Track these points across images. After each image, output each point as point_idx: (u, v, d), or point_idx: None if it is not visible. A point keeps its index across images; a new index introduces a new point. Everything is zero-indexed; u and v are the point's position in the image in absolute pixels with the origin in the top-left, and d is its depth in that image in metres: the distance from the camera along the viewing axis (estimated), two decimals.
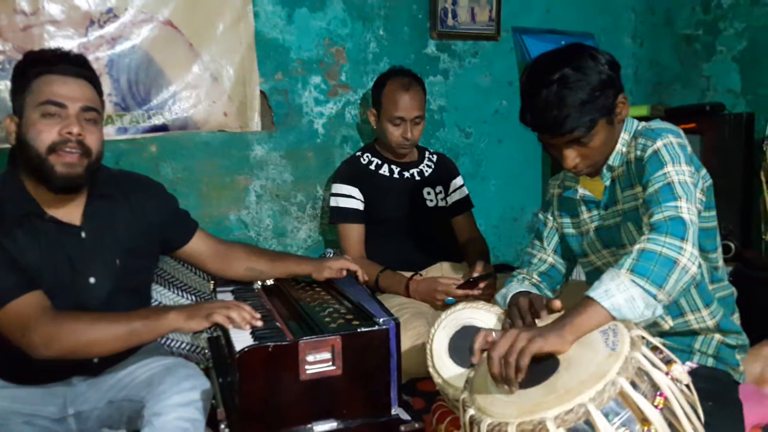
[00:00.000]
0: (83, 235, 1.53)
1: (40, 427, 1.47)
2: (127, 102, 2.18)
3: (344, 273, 1.78)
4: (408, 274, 2.20)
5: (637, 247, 1.22)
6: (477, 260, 2.10)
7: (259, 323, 1.43)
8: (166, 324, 1.44)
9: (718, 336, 1.47)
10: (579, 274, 1.79)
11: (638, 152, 1.41)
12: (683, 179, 1.31)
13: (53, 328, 1.37)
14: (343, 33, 2.60)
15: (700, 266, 1.22)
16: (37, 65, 1.47)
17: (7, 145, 1.51)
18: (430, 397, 1.72)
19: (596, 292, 1.17)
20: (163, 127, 2.26)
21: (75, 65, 1.50)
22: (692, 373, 1.20)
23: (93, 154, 1.49)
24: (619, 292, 1.15)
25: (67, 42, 2.04)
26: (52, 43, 2.01)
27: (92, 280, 1.53)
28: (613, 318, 1.15)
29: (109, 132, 2.16)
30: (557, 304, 1.29)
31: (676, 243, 1.20)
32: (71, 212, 1.54)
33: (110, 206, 1.60)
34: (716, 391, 1.35)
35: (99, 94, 1.56)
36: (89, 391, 1.54)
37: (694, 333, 1.48)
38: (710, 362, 1.47)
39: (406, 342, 1.83)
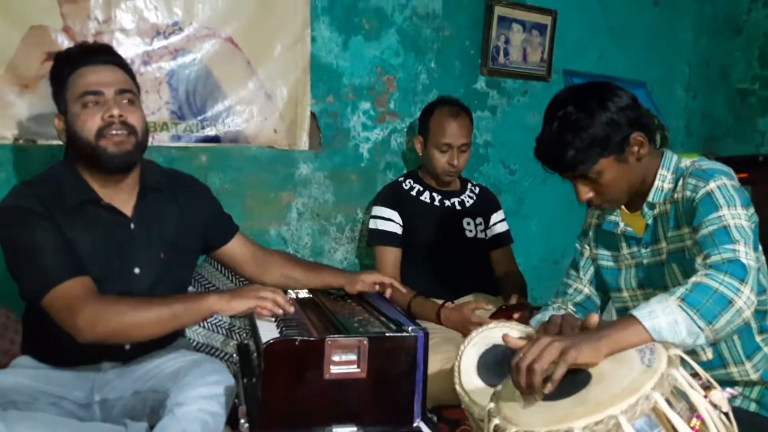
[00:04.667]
0: (132, 226, 1.59)
1: (66, 410, 1.49)
2: (183, 111, 2.26)
3: (376, 288, 1.78)
4: (440, 302, 2.18)
5: (692, 280, 1.19)
6: (513, 294, 2.07)
7: (291, 309, 1.48)
8: (206, 306, 1.46)
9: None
10: (611, 313, 1.74)
11: (688, 193, 1.38)
12: (740, 223, 1.27)
13: (98, 311, 1.40)
14: (396, 63, 2.66)
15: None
16: (69, 63, 1.55)
17: (58, 142, 1.60)
18: (456, 426, 1.68)
19: (640, 312, 1.14)
20: (215, 138, 2.33)
21: (102, 54, 1.57)
22: (732, 410, 1.15)
23: (138, 132, 1.55)
24: (664, 315, 1.12)
25: (133, 50, 2.14)
26: (120, 50, 2.10)
27: (137, 270, 1.57)
28: (652, 339, 1.11)
29: (164, 138, 2.24)
30: (594, 318, 1.23)
31: (734, 284, 1.17)
32: (124, 204, 1.60)
33: (160, 201, 1.65)
34: None
35: (131, 76, 1.61)
36: (117, 380, 1.56)
37: (736, 383, 1.42)
38: (752, 407, 1.40)
39: (435, 365, 1.80)
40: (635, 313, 1.13)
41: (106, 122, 1.50)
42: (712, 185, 1.34)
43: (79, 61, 1.54)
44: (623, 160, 1.39)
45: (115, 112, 1.50)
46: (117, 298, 1.47)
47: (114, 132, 1.51)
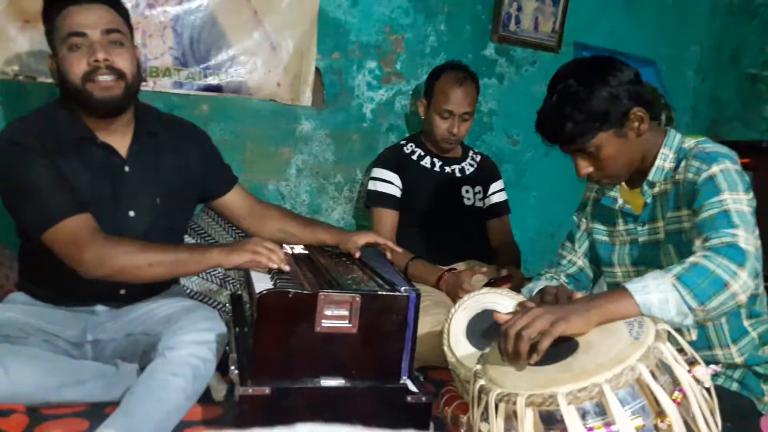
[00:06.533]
0: (127, 168, 1.57)
1: (59, 348, 1.51)
2: (186, 58, 2.23)
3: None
4: (444, 268, 2.18)
5: (689, 259, 1.19)
6: (506, 264, 2.07)
7: (287, 268, 1.45)
8: (210, 258, 1.47)
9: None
10: (602, 288, 1.75)
11: (690, 174, 1.37)
12: (741, 208, 1.27)
13: (105, 248, 1.41)
14: (405, 23, 2.62)
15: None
16: (57, 2, 1.49)
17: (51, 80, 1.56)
18: (441, 386, 1.70)
19: (634, 285, 1.15)
20: (217, 88, 2.30)
21: None
22: (714, 388, 1.17)
23: (127, 75, 1.51)
24: (657, 292, 1.13)
25: None
26: None
27: (132, 213, 1.57)
28: (641, 313, 1.12)
29: (165, 84, 2.21)
30: (578, 295, 1.26)
31: (731, 267, 1.16)
32: (118, 146, 1.57)
33: (155, 146, 1.63)
34: (737, 414, 1.30)
35: (123, 16, 1.56)
36: (110, 322, 1.57)
37: (719, 363, 1.44)
38: (734, 386, 1.42)
39: (425, 327, 1.82)
40: (628, 286, 1.14)
41: (92, 67, 1.46)
42: (715, 168, 1.33)
43: (65, 0, 1.49)
44: (623, 135, 1.38)
45: (101, 56, 1.46)
46: (123, 238, 1.47)
47: (101, 77, 1.46)
